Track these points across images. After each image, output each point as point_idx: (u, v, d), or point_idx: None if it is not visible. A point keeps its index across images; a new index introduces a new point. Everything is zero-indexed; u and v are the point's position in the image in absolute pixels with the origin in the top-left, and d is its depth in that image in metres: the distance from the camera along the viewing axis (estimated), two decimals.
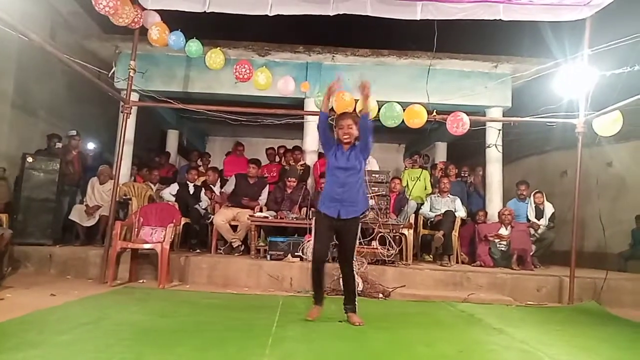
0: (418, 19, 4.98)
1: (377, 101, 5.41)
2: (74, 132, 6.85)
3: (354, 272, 3.46)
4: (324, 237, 3.40)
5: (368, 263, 5.13)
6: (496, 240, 6.27)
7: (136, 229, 5.25)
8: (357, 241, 3.50)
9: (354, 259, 3.46)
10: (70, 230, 6.42)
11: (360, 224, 3.52)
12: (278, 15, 5.06)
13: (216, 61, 5.80)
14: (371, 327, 3.32)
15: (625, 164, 7.86)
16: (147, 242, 5.01)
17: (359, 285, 4.73)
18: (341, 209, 3.33)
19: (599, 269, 6.10)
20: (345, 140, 3.42)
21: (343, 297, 3.49)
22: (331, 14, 5.02)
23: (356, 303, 3.44)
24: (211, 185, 7.09)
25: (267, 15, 5.06)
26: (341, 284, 3.58)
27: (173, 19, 5.55)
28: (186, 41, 5.60)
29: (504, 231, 6.31)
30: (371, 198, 5.70)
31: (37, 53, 5.43)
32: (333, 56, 7.08)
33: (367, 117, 3.41)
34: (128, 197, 6.40)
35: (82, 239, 6.21)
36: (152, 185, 7.10)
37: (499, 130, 7.19)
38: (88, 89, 6.37)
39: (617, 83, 4.82)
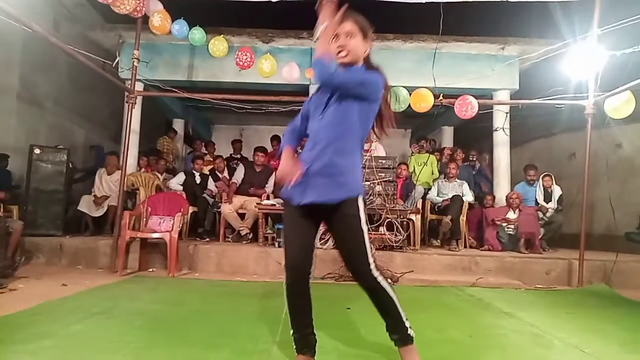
0: (423, 1, 4.90)
1: None
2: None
3: (382, 285, 2.05)
4: (295, 235, 2.02)
5: (376, 249, 5.14)
6: (504, 224, 6.24)
7: (144, 219, 5.28)
8: (365, 238, 2.01)
9: (371, 266, 2.07)
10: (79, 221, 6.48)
11: (360, 210, 1.97)
12: (281, 0, 5.00)
13: (219, 49, 5.77)
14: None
15: (635, 145, 7.75)
16: (155, 232, 5.05)
17: None
18: (312, 190, 1.88)
19: (608, 251, 6.07)
20: (340, 58, 2.00)
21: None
22: None
23: (408, 331, 2.05)
24: (218, 174, 7.09)
25: (270, 1, 5.01)
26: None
27: (176, 7, 5.51)
28: (189, 29, 5.57)
29: (511, 215, 6.28)
30: (377, 184, 5.68)
31: (42, 45, 5.41)
32: None
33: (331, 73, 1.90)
34: (135, 187, 6.43)
35: (91, 229, 6.27)
36: (159, 175, 7.13)
37: (506, 113, 7.11)
38: (93, 79, 6.35)
39: (628, 63, 4.72)
